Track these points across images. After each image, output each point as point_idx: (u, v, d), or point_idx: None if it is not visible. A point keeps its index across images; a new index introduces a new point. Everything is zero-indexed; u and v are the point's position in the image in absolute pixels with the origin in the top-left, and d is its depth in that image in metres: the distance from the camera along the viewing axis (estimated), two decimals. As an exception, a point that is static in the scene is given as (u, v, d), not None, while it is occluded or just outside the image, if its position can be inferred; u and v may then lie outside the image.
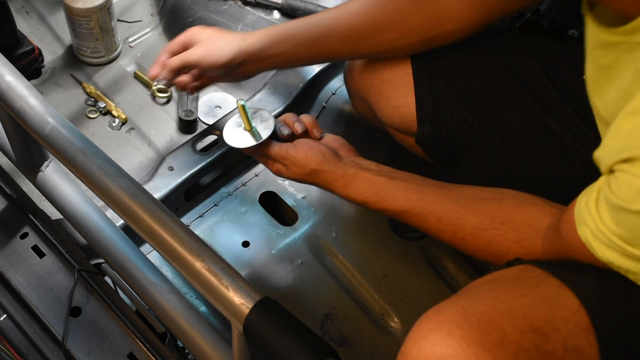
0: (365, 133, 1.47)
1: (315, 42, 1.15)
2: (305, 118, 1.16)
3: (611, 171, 0.75)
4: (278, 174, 1.14)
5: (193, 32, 1.20)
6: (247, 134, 1.12)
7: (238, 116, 1.13)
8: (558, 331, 0.79)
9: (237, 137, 1.13)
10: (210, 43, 1.17)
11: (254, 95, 1.49)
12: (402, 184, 1.05)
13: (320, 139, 1.15)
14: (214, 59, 1.16)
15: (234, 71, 1.19)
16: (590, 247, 0.79)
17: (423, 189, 1.04)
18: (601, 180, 0.78)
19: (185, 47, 1.19)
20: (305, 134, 1.15)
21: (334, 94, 1.52)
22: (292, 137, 1.15)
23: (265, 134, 1.11)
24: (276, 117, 1.14)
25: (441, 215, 1.00)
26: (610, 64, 0.80)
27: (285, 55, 1.17)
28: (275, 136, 1.13)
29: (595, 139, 1.05)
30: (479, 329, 0.77)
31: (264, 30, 1.18)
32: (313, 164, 1.10)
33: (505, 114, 1.12)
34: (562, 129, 1.09)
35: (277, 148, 1.11)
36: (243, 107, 1.10)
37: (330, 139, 1.16)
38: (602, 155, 0.77)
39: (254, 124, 1.12)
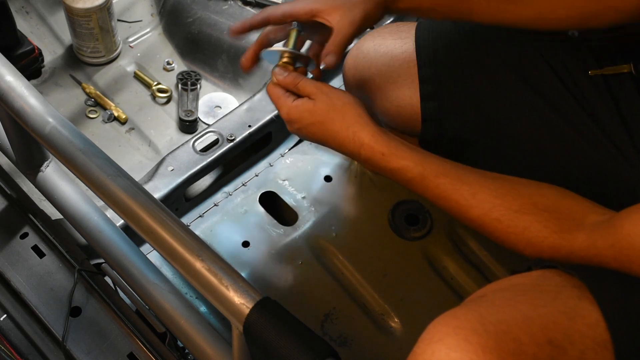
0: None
1: None
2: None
3: None
4: (301, 107, 1.00)
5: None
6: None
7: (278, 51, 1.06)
8: (574, 345, 0.78)
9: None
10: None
11: (254, 95, 1.49)
12: (433, 155, 0.97)
13: None
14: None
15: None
16: None
17: (457, 163, 0.96)
18: None
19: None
20: None
21: (334, 94, 1.52)
22: None
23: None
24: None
25: (477, 191, 0.92)
26: None
27: (423, 6, 1.05)
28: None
29: (605, 139, 1.04)
30: (496, 338, 0.76)
31: None
32: (350, 100, 0.99)
33: (512, 113, 1.10)
34: (572, 129, 1.06)
35: (310, 81, 1.01)
36: (298, 30, 1.04)
37: None
38: None
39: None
